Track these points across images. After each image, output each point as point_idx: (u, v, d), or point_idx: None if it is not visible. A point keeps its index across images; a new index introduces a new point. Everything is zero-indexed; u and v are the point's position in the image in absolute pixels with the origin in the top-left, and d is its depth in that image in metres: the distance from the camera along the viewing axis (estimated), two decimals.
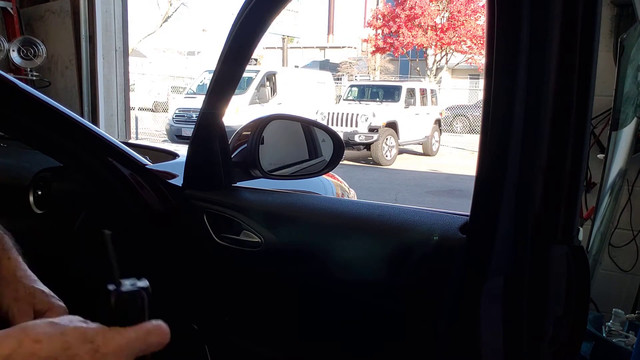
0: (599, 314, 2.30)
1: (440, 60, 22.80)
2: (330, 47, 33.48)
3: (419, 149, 13.62)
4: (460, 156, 13.40)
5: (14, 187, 1.38)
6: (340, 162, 1.36)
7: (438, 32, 21.50)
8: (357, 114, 11.60)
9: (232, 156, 1.22)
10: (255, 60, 14.13)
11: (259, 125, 1.22)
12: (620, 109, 2.25)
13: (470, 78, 24.35)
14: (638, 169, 2.48)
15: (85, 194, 1.29)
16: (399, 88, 13.10)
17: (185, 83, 21.42)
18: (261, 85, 12.61)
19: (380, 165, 11.44)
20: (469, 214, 0.81)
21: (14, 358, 0.42)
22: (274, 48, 26.65)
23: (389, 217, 0.96)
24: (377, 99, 13.19)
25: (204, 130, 1.19)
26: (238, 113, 10.33)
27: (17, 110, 1.11)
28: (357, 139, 11.36)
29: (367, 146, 11.53)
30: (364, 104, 12.79)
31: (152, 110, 21.08)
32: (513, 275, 0.73)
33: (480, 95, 19.35)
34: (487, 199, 0.75)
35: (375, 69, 27.19)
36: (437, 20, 21.56)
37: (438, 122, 13.89)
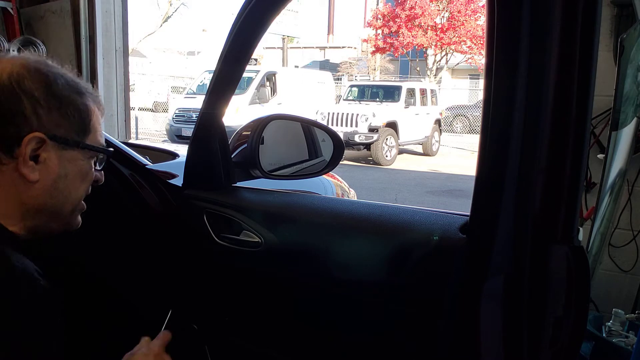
0: (599, 314, 2.30)
1: (440, 60, 22.79)
2: (330, 47, 33.45)
3: (419, 149, 13.61)
4: (460, 156, 13.38)
5: None
6: (340, 162, 1.36)
7: (438, 32, 21.48)
8: (357, 114, 11.58)
9: (232, 156, 1.22)
10: (255, 60, 14.09)
11: (259, 125, 1.22)
12: (620, 109, 2.25)
13: (470, 78, 24.32)
14: (638, 169, 2.47)
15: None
16: (399, 88, 13.08)
17: (185, 83, 21.41)
18: (261, 85, 12.59)
19: (380, 165, 11.44)
20: (469, 214, 0.81)
21: None
22: (274, 48, 26.62)
23: (389, 217, 0.96)
24: (377, 99, 13.18)
25: (204, 130, 1.18)
26: (238, 113, 10.31)
27: None
28: (357, 139, 11.35)
29: (367, 146, 11.52)
30: (364, 104, 12.77)
31: (152, 110, 21.04)
32: (513, 275, 0.73)
33: (480, 95, 19.34)
34: (487, 199, 0.75)
35: (375, 69, 27.17)
36: (437, 20, 21.53)
37: (438, 122, 13.87)
